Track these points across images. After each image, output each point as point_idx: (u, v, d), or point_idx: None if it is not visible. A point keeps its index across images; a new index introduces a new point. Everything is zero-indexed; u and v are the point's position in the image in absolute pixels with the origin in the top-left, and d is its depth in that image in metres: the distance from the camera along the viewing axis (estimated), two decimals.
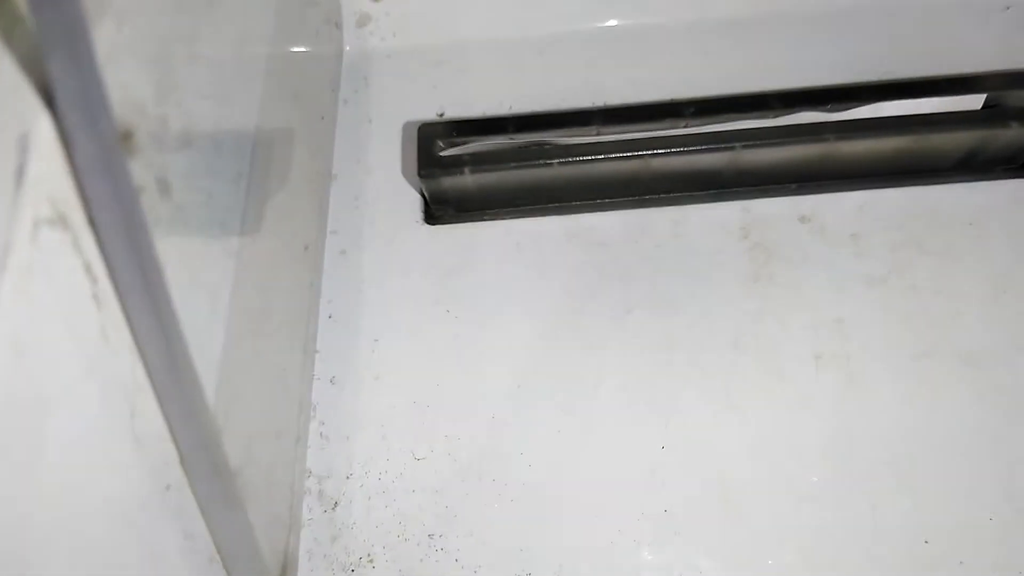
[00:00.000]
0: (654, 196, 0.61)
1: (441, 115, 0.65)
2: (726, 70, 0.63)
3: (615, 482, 0.53)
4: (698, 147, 0.56)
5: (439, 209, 0.61)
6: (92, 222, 0.34)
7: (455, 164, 0.57)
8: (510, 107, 0.65)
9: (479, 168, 0.57)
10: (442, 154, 0.57)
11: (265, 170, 0.46)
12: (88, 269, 0.35)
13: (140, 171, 0.35)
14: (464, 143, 0.58)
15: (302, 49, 0.57)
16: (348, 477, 0.54)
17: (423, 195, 0.62)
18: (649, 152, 0.56)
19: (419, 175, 0.57)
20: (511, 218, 0.61)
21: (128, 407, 0.37)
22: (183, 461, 0.40)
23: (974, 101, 0.57)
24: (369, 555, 0.52)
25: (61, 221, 0.33)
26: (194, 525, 0.41)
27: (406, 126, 0.64)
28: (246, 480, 0.43)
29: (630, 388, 0.55)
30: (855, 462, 0.52)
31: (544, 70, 0.66)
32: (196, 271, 0.40)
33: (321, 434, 0.56)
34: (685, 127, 0.57)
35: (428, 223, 0.62)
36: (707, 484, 0.53)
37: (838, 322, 0.56)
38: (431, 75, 0.67)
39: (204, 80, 0.42)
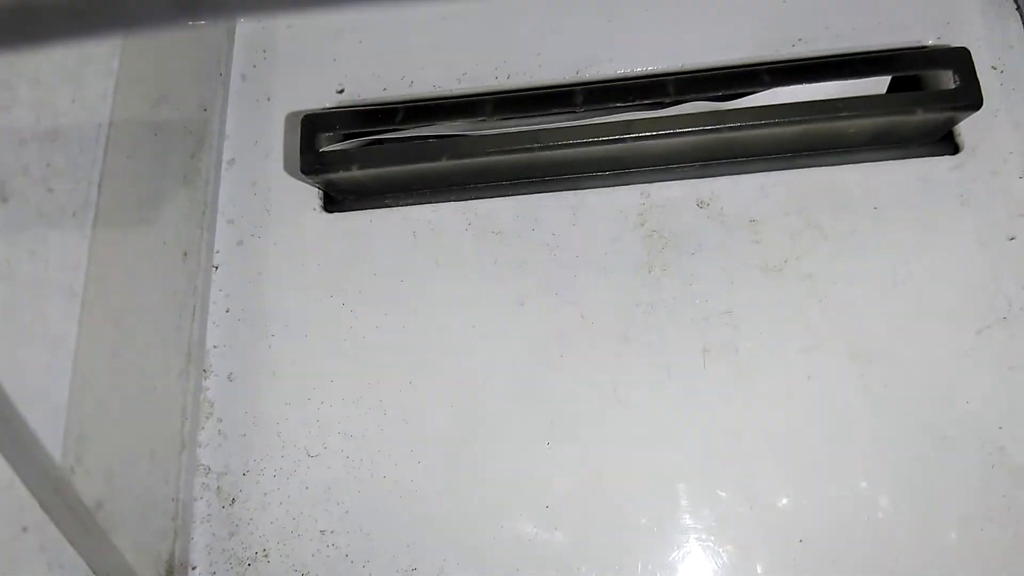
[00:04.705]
0: (552, 179, 0.59)
1: (341, 91, 0.63)
2: (630, 43, 0.60)
3: (500, 478, 0.54)
4: (590, 139, 0.54)
5: (337, 196, 0.61)
6: None
7: (341, 160, 0.55)
8: (411, 83, 0.62)
9: (367, 164, 0.55)
10: (327, 149, 0.56)
11: (117, 201, 0.46)
12: None
13: None
14: (351, 135, 0.57)
15: (168, 39, 0.55)
16: (244, 474, 0.56)
17: None
18: (538, 145, 0.54)
19: (302, 172, 0.56)
20: (409, 204, 0.60)
21: None
22: (41, 504, 0.41)
23: (879, 83, 0.54)
24: (264, 550, 0.55)
25: None
26: (62, 556, 0.43)
27: (303, 106, 0.63)
28: (110, 509, 0.44)
29: (518, 383, 0.56)
30: (735, 459, 0.53)
31: (445, 39, 0.63)
32: (30, 325, 0.40)
33: (219, 431, 0.57)
34: (577, 116, 0.55)
35: (326, 210, 0.61)
36: (588, 481, 0.54)
37: (728, 313, 0.55)
38: (330, 47, 0.64)
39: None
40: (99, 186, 0.46)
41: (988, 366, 0.53)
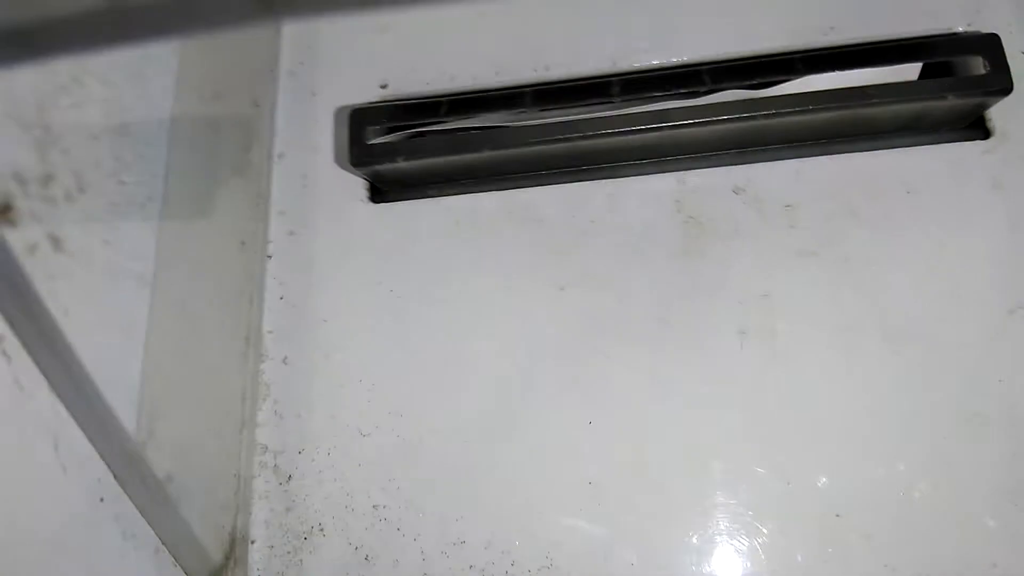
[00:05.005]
0: (590, 167, 0.61)
1: (384, 86, 0.65)
2: (665, 34, 0.62)
3: (544, 455, 0.56)
4: (627, 128, 0.55)
5: (382, 187, 0.63)
6: None
7: (388, 152, 0.58)
8: (452, 77, 0.64)
9: (412, 156, 0.57)
10: (374, 142, 0.58)
11: (180, 193, 0.49)
12: None
13: (25, 235, 0.38)
14: (397, 128, 0.59)
15: (223, 38, 0.58)
16: (300, 452, 0.59)
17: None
18: (578, 135, 0.56)
19: (352, 164, 0.58)
20: (452, 195, 0.62)
21: (51, 441, 0.41)
22: (116, 476, 0.44)
23: (910, 70, 0.56)
24: (320, 525, 0.57)
25: None
26: (135, 526, 0.46)
27: (347, 101, 0.65)
28: (179, 483, 0.47)
29: (559, 366, 0.58)
30: (773, 439, 0.55)
31: (483, 34, 0.65)
32: (106, 309, 0.43)
33: (276, 412, 0.60)
34: (615, 106, 0.57)
35: (373, 201, 0.63)
36: (629, 459, 0.56)
37: (765, 297, 0.57)
38: (375, 43, 0.66)
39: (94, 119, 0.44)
40: (164, 179, 0.49)
41: (1020, 345, 0.54)
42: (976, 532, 0.52)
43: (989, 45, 0.53)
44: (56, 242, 0.39)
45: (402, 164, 0.58)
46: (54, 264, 0.39)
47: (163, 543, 0.47)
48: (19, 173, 0.37)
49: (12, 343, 0.39)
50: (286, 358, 0.61)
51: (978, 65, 0.54)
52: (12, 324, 0.38)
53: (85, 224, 0.41)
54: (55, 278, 0.39)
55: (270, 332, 0.61)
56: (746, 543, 0.53)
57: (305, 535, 0.57)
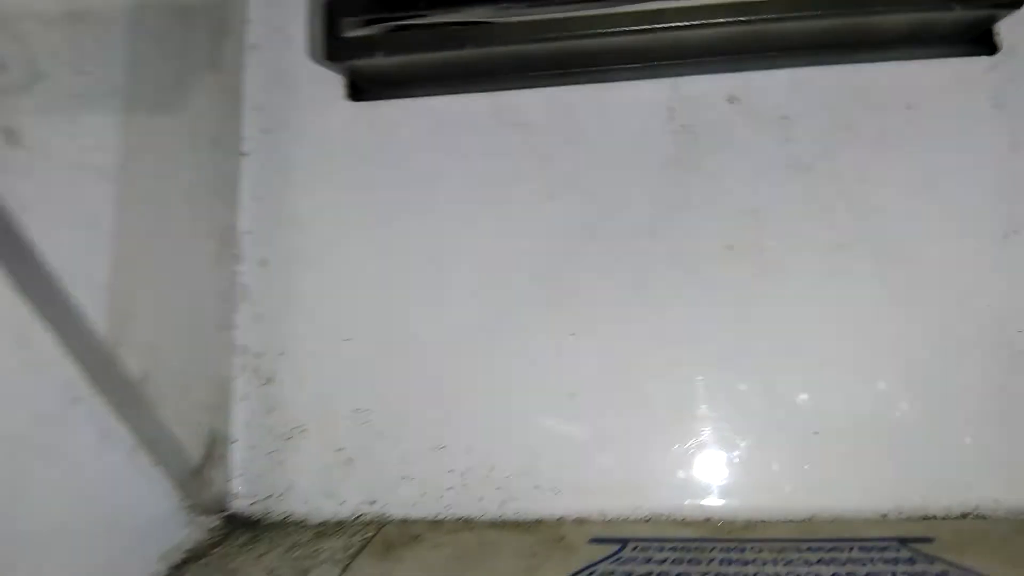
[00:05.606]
0: (580, 70, 0.59)
1: None
2: None
3: (526, 365, 0.56)
4: (617, 28, 0.53)
5: (362, 84, 0.60)
6: None
7: (365, 47, 0.55)
8: None
9: (391, 51, 0.55)
10: (351, 35, 0.55)
11: (147, 85, 0.46)
12: None
13: None
14: (375, 21, 0.56)
15: None
16: (281, 355, 0.58)
17: None
18: (567, 33, 0.53)
19: (326, 58, 0.55)
20: (435, 95, 0.60)
21: (13, 339, 0.40)
22: (90, 376, 0.43)
23: None
24: (302, 426, 0.57)
25: None
26: (109, 425, 0.45)
27: None
28: (154, 382, 0.47)
29: (544, 275, 0.57)
30: (755, 355, 0.54)
31: None
32: (68, 205, 0.41)
33: (254, 314, 0.59)
34: (607, 2, 0.54)
35: (352, 99, 0.61)
36: (612, 370, 0.55)
37: (754, 212, 0.56)
38: None
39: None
40: (128, 70, 0.46)
41: (1012, 270, 0.53)
42: (952, 454, 0.52)
43: None
44: (11, 134, 0.37)
45: (380, 60, 0.55)
46: (10, 157, 0.38)
47: (140, 442, 0.47)
48: None
49: None
50: (264, 260, 0.59)
51: None
52: None
53: (43, 116, 0.39)
54: (10, 172, 0.37)
55: (247, 233, 0.60)
56: (723, 455, 0.54)
57: (287, 436, 0.57)
